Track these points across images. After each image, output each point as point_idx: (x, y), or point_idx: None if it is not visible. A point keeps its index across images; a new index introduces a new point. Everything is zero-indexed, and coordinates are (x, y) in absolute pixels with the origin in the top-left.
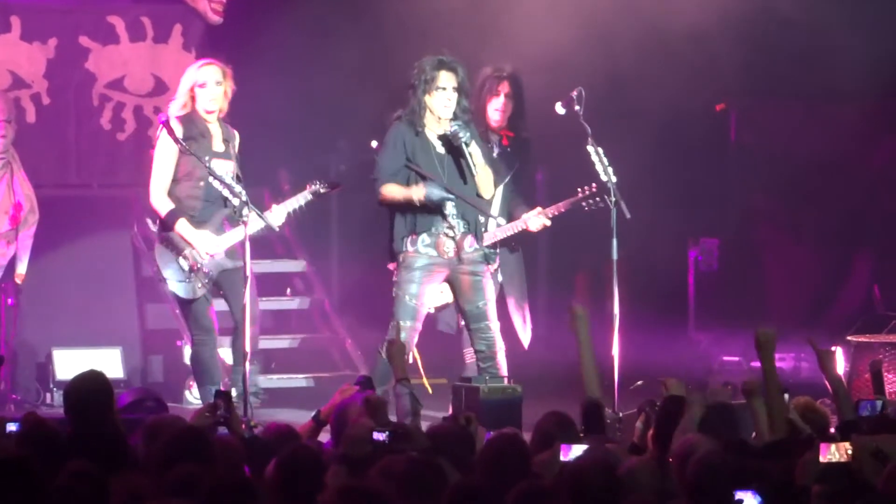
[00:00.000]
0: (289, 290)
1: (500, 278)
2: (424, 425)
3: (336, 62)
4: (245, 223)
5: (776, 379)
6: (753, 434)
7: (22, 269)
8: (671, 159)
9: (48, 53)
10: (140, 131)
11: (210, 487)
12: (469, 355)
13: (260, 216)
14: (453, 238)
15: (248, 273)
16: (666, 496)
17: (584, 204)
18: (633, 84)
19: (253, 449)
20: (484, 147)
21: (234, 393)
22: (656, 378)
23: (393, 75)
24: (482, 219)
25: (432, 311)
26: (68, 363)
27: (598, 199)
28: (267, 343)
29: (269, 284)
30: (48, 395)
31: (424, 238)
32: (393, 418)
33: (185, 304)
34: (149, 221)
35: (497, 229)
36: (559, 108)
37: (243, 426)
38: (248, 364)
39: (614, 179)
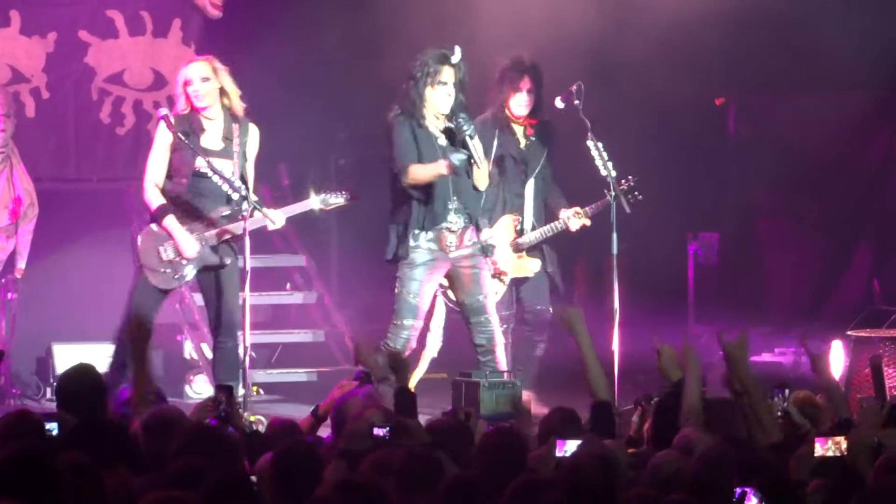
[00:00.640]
0: (288, 285)
1: (549, 268)
2: (423, 419)
3: (336, 56)
4: (244, 218)
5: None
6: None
7: (22, 263)
8: (670, 153)
9: (47, 47)
10: (139, 125)
11: (211, 482)
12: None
13: (261, 211)
14: (455, 232)
15: (248, 268)
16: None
17: (624, 199)
18: (632, 77)
19: (253, 443)
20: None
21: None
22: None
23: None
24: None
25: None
26: (68, 358)
27: (637, 193)
28: (266, 338)
29: (269, 279)
30: (48, 389)
31: (428, 233)
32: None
33: (141, 292)
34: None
35: (535, 232)
36: (558, 103)
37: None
38: (247, 359)
39: (614, 174)
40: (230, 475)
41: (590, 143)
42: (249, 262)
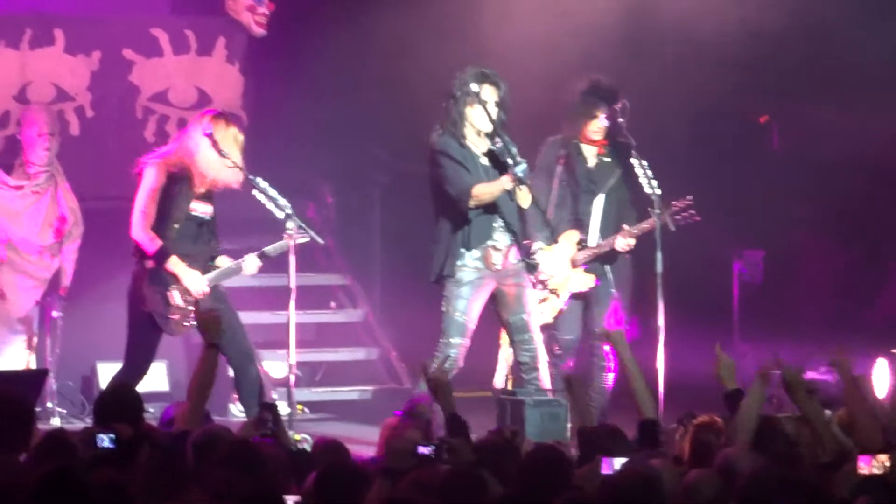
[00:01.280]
0: (333, 304)
1: (612, 290)
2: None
3: (378, 74)
4: (290, 236)
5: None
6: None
7: (66, 281)
8: (714, 169)
9: (92, 66)
10: None
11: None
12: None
13: (307, 230)
14: (500, 250)
15: (293, 286)
16: None
17: (678, 217)
18: (673, 93)
19: (299, 462)
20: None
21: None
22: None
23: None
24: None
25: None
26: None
27: (693, 212)
28: (311, 356)
29: (312, 297)
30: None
31: (474, 252)
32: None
33: (141, 334)
34: None
35: (582, 252)
36: (602, 121)
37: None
38: (291, 377)
39: (658, 192)
40: (259, 489)
41: (634, 161)
42: (294, 279)
